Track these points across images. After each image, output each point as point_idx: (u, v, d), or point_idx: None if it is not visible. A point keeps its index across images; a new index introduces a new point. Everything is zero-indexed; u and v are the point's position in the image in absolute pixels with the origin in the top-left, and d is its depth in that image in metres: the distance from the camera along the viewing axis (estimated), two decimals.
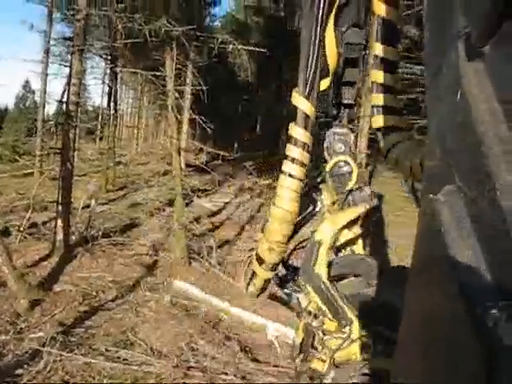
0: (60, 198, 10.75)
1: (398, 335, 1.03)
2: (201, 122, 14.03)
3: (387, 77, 2.06)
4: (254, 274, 2.49)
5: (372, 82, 2.12)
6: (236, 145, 32.12)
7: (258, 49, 16.50)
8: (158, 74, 14.43)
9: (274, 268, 2.44)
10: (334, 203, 2.62)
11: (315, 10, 2.05)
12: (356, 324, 2.42)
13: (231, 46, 14.10)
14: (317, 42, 2.08)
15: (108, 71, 25.50)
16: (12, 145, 28.31)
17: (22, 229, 11.40)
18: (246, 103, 37.77)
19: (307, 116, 2.14)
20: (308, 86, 2.12)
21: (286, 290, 2.83)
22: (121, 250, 11.58)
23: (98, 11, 11.70)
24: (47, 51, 23.34)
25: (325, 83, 2.23)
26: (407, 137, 2.09)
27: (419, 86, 14.13)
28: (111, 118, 22.69)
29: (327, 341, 2.50)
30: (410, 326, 1.01)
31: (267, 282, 2.52)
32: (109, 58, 22.20)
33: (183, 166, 14.89)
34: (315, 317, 2.53)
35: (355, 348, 2.38)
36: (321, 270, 2.41)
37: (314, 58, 2.11)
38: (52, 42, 22.88)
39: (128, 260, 10.98)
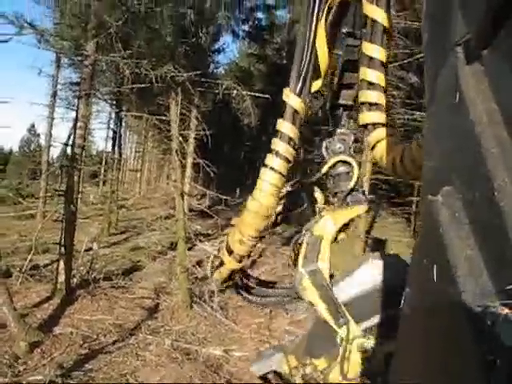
0: (63, 240, 10.75)
1: (396, 340, 1.06)
2: (204, 165, 14.13)
3: (375, 75, 2.01)
4: (221, 262, 2.39)
5: (361, 80, 2.08)
6: (238, 190, 32.21)
7: (261, 95, 16.78)
8: (162, 118, 14.65)
9: (241, 260, 2.34)
10: (328, 203, 2.53)
11: (311, 7, 2.07)
12: (353, 323, 2.36)
13: (235, 92, 14.34)
14: (311, 40, 2.08)
15: (113, 115, 25.89)
16: (16, 187, 28.44)
17: (23, 270, 11.34)
18: (249, 148, 38.09)
19: (296, 112, 2.08)
20: (300, 82, 2.08)
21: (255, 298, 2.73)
22: (122, 292, 11.49)
23: (105, 57, 11.97)
24: (54, 95, 23.74)
25: (316, 84, 2.20)
26: (390, 133, 2.04)
27: (420, 131, 14.29)
28: (115, 161, 22.87)
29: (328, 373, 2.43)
30: (410, 328, 1.02)
31: (233, 273, 2.44)
32: (114, 102, 22.58)
33: (186, 210, 14.92)
34: (304, 366, 2.47)
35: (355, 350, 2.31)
36: (324, 265, 2.32)
37: (308, 55, 2.08)
38: (59, 87, 23.30)
39: (129, 303, 10.88)
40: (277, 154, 2.09)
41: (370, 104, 2.05)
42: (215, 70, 30.36)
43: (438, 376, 0.85)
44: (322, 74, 2.22)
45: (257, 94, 16.60)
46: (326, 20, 2.15)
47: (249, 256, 2.39)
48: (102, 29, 11.06)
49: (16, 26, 9.85)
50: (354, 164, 2.46)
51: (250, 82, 30.12)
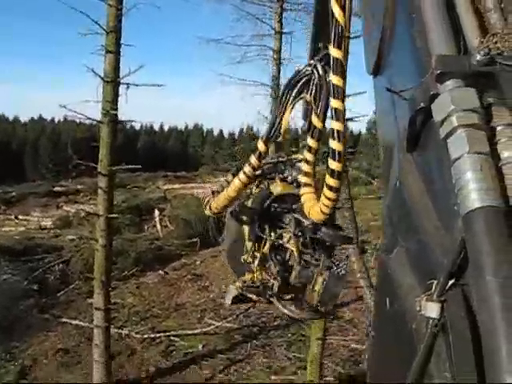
0: None
1: (371, 343, 1.86)
2: None
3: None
4: None
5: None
6: None
7: None
8: None
9: None
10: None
11: None
12: None
13: None
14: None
15: None
16: (366, 168, 30.04)
17: (377, 247, 11.94)
18: None
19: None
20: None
21: None
22: None
23: None
24: None
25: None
26: None
27: None
28: None
29: None
30: (378, 334, 1.62)
31: None
32: None
33: None
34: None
35: None
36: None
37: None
38: None
39: None
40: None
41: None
42: None
43: (390, 355, 1.45)
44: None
45: None
46: None
47: None
48: None
49: None
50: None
51: None
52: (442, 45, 1.20)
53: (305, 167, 2.50)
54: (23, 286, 13.64)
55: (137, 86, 8.55)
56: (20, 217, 27.44)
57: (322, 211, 2.11)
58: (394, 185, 1.45)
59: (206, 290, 14.02)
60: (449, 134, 1.10)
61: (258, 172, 2.93)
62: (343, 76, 1.96)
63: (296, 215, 3.15)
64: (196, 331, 10.75)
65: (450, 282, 1.08)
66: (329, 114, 2.66)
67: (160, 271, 15.97)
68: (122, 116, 8.47)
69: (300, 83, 2.52)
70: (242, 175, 2.71)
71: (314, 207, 2.25)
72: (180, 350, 10.06)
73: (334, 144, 1.98)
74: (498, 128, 1.12)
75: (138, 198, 26.53)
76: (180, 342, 10.39)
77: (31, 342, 10.80)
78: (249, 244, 3.21)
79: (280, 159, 3.25)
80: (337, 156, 1.99)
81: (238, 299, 3.28)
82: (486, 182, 1.04)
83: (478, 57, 1.12)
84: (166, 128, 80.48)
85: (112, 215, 8.44)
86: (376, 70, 1.78)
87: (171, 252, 18.01)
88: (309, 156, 2.42)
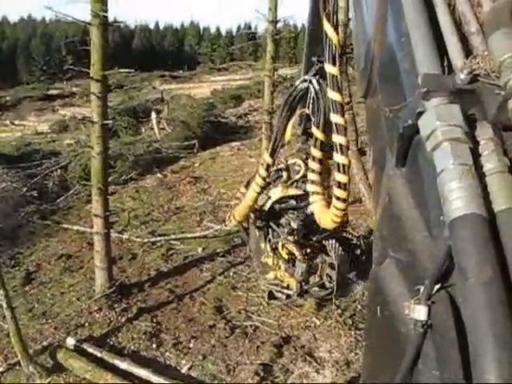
0: None
1: (366, 347, 1.99)
2: None
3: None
4: None
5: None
6: None
7: None
8: None
9: None
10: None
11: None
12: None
13: None
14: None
15: None
16: None
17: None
18: None
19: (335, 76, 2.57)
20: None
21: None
22: None
23: None
24: None
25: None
26: None
27: None
28: None
29: None
30: (371, 338, 1.83)
31: None
32: None
33: None
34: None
35: None
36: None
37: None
38: None
39: None
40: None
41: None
42: None
43: (381, 354, 1.64)
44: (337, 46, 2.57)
45: None
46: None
47: None
48: None
49: None
50: (302, 164, 3.51)
51: None
52: (428, 65, 1.31)
53: (311, 176, 2.84)
54: (23, 192, 13.66)
55: None
56: (16, 122, 27.06)
57: (333, 220, 2.50)
58: (385, 199, 1.58)
59: (204, 192, 14.01)
60: (435, 148, 1.21)
61: (267, 180, 3.28)
62: (340, 91, 2.28)
63: (291, 216, 3.72)
64: (195, 234, 10.84)
65: (437, 287, 1.18)
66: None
67: (158, 174, 15.93)
68: (116, 17, 8.05)
69: (298, 98, 2.87)
70: (255, 186, 3.14)
71: (325, 216, 2.57)
72: (180, 254, 10.18)
73: (338, 157, 2.30)
74: (482, 142, 1.23)
75: (134, 100, 26.01)
76: (180, 246, 10.51)
77: (34, 248, 10.92)
78: (262, 245, 3.73)
79: (279, 166, 3.66)
80: (342, 169, 2.30)
81: (273, 296, 3.97)
82: (469, 191, 1.11)
83: (462, 76, 1.21)
84: (161, 26, 77.86)
85: (107, 121, 8.17)
86: (367, 93, 1.95)
87: (169, 155, 17.89)
88: (314, 165, 2.79)
